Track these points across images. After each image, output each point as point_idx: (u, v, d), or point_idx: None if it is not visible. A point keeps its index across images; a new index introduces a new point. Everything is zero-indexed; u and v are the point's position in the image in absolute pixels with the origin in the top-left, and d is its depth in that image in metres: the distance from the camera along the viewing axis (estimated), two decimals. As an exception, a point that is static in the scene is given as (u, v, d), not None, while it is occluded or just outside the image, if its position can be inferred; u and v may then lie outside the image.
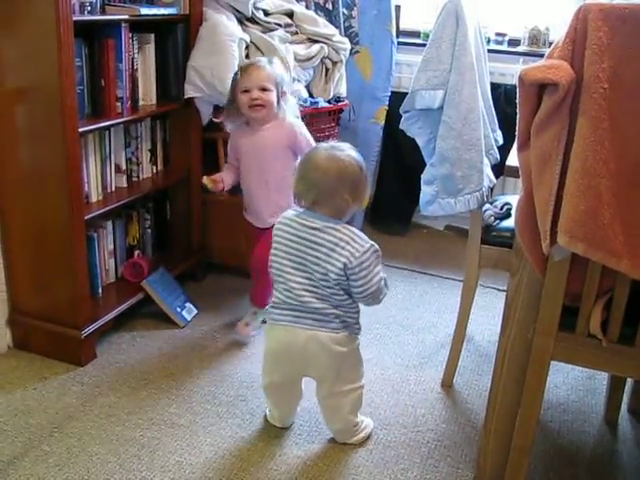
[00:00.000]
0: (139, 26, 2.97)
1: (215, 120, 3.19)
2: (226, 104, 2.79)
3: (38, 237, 2.64)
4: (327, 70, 3.58)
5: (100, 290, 2.97)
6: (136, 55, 2.97)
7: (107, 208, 2.85)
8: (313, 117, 3.38)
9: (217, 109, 3.28)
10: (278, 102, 2.71)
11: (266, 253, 2.19)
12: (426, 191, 2.36)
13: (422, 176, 2.39)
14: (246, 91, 2.65)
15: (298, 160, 2.34)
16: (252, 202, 2.85)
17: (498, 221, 2.51)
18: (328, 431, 2.32)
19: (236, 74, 2.73)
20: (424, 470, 2.17)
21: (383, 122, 4.03)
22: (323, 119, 3.45)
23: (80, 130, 2.55)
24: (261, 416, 2.41)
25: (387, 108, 4.01)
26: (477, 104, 2.22)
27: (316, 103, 3.42)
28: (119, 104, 2.87)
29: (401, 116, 2.41)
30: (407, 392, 2.59)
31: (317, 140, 3.40)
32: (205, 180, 2.79)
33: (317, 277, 2.06)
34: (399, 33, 4.13)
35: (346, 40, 3.60)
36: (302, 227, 2.07)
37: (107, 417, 2.39)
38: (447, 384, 2.64)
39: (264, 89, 2.64)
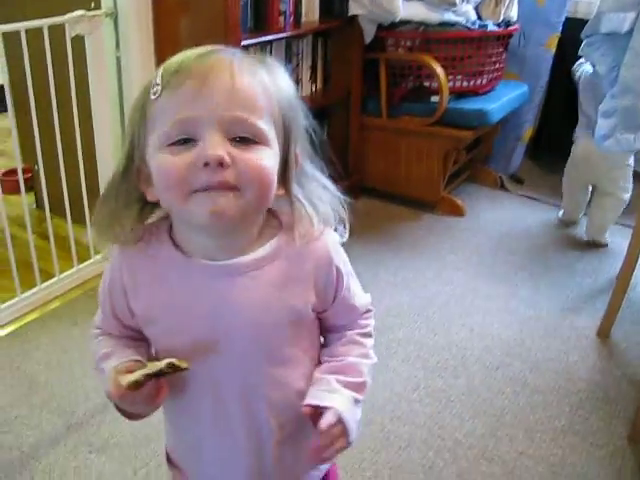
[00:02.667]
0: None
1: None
2: (109, 182, 0.92)
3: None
4: (499, -9, 3.38)
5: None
6: (301, -31, 2.90)
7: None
8: (481, 41, 3.20)
9: (381, 28, 3.18)
10: (285, 181, 0.92)
11: None
12: (603, 124, 2.18)
13: (600, 107, 2.21)
14: (183, 141, 0.83)
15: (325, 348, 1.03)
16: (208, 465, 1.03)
17: (680, 162, 2.30)
18: (476, 370, 2.25)
19: (146, 92, 0.88)
20: (573, 420, 2.05)
21: (554, 50, 3.79)
22: (491, 44, 3.26)
23: (243, 43, 2.52)
24: (406, 345, 2.36)
25: (560, 35, 3.75)
26: (673, 30, 2.01)
27: (484, 26, 3.24)
28: (282, 18, 2.82)
29: (576, 44, 2.22)
30: (560, 337, 2.46)
31: (484, 70, 3.27)
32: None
33: None
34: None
35: (522, -41, 3.37)
36: None
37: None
38: (604, 333, 2.48)
39: (246, 137, 0.83)
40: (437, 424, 2.01)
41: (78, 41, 2.45)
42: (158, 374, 0.86)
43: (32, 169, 2.89)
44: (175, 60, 0.86)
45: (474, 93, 3.30)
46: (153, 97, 0.85)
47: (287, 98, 0.90)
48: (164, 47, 2.58)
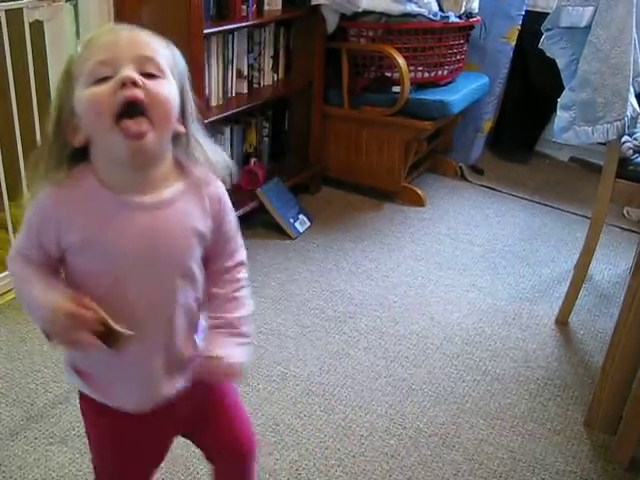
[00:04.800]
0: None
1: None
2: (42, 139, 1.35)
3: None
4: (460, -17, 3.39)
5: (215, 195, 2.95)
6: (264, -43, 2.88)
7: (227, 113, 2.82)
8: (443, 33, 3.22)
9: (344, 18, 3.18)
10: (184, 121, 1.13)
11: None
12: (562, 116, 2.20)
13: (559, 100, 2.23)
14: (104, 79, 1.03)
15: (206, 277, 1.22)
16: (123, 367, 1.18)
17: (637, 155, 2.33)
18: (437, 359, 2.28)
19: (70, 61, 1.08)
20: (532, 407, 2.09)
21: (514, 42, 3.82)
22: (452, 35, 3.28)
23: (205, 32, 2.51)
24: (368, 334, 2.38)
25: (519, 28, 3.78)
26: (630, 24, 2.03)
27: (446, 18, 3.25)
28: (244, 7, 2.81)
29: (534, 36, 2.24)
30: (519, 325, 2.49)
31: (446, 61, 3.30)
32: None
33: None
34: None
35: (483, -50, 3.39)
36: None
37: (216, 322, 2.41)
38: (562, 321, 2.52)
39: (152, 73, 1.05)
40: (398, 412, 2.03)
41: (37, 27, 2.41)
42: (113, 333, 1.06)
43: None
44: (92, 33, 1.09)
45: (435, 84, 3.32)
46: (76, 59, 1.05)
47: (181, 63, 1.13)
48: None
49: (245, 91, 3.04)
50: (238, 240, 1.26)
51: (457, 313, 2.54)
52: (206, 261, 1.21)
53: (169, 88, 1.06)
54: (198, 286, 1.20)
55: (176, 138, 1.12)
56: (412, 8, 3.18)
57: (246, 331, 1.22)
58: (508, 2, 3.70)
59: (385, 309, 2.54)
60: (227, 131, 2.99)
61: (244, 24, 2.85)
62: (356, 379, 2.16)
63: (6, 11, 2.26)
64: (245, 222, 3.03)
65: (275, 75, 3.24)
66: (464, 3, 3.39)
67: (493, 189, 3.65)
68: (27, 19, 2.36)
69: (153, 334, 1.16)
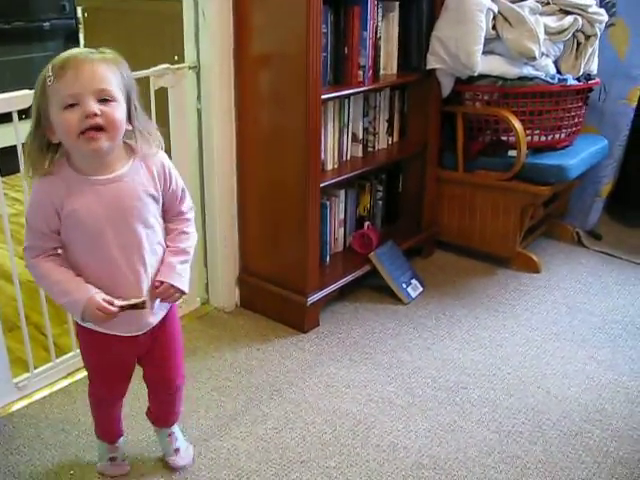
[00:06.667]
0: (384, -6, 2.90)
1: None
2: (28, 137, 1.57)
3: (273, 200, 2.69)
4: (578, 44, 3.33)
5: (328, 258, 2.99)
6: (380, 23, 2.91)
7: (342, 177, 2.84)
8: (560, 96, 3.16)
9: (459, 82, 3.17)
10: (130, 121, 1.57)
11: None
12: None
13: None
14: (72, 105, 1.46)
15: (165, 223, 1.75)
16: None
17: None
18: (553, 437, 2.18)
19: (44, 80, 1.50)
20: (659, 494, 1.97)
21: (635, 104, 3.71)
22: (570, 98, 3.21)
23: (322, 97, 2.54)
24: (481, 406, 2.31)
25: (641, 88, 3.68)
26: None
27: (564, 80, 3.19)
28: (361, 72, 2.84)
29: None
30: (643, 403, 2.37)
31: (563, 124, 3.23)
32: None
33: None
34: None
35: (603, 11, 3.31)
36: None
37: (326, 387, 2.40)
38: (690, 399, 2.39)
39: (106, 99, 1.48)
40: (513, 492, 1.95)
41: (161, 93, 2.51)
42: (134, 306, 1.60)
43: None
44: (59, 59, 1.48)
45: (552, 148, 3.25)
46: (49, 84, 1.47)
47: (127, 76, 1.55)
48: (244, 100, 2.63)
49: (360, 155, 3.06)
50: (185, 192, 1.74)
51: (575, 388, 2.43)
52: (164, 210, 1.70)
53: (119, 109, 1.51)
54: (158, 232, 1.68)
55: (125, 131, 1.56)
56: (529, 71, 3.15)
57: (190, 254, 1.73)
58: (629, 62, 3.60)
59: (499, 380, 2.46)
60: (341, 194, 3.02)
61: (361, 89, 2.88)
62: (468, 454, 2.10)
63: (135, 79, 2.36)
64: (357, 286, 3.06)
65: (390, 139, 3.25)
66: (583, 65, 3.33)
67: (612, 255, 3.52)
68: (153, 86, 2.46)
69: (132, 272, 1.63)
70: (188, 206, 1.76)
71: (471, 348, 2.66)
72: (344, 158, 2.97)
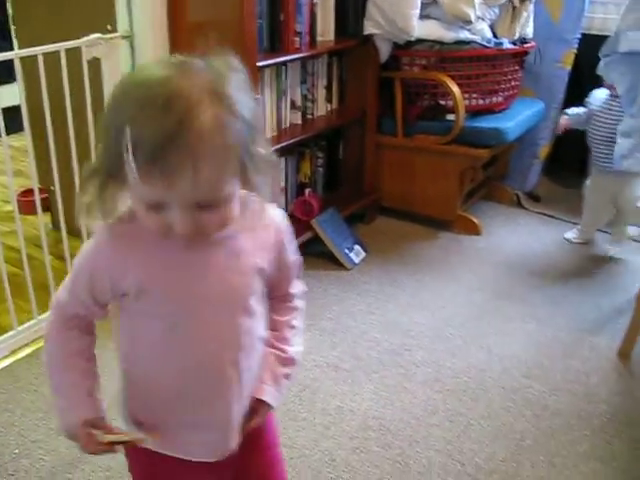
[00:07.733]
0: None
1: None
2: (88, 172, 1.03)
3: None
4: (514, 8, 3.36)
5: (269, 227, 2.96)
6: (316, -11, 2.90)
7: (281, 144, 2.83)
8: (497, 59, 3.19)
9: (396, 47, 3.18)
10: (245, 180, 0.98)
11: None
12: (622, 144, 2.16)
13: (618, 127, 2.19)
14: (158, 206, 0.94)
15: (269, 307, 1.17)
16: (195, 414, 1.11)
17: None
18: (495, 394, 2.23)
19: (122, 125, 0.90)
20: (595, 445, 2.02)
21: (570, 67, 3.76)
22: (507, 62, 3.25)
23: (258, 64, 2.52)
24: (425, 367, 2.34)
25: (575, 52, 3.73)
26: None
27: (500, 44, 3.23)
28: (297, 39, 2.82)
29: (591, 60, 2.20)
30: (580, 358, 2.43)
31: (500, 88, 3.26)
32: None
33: None
34: (594, -32, 3.81)
35: (537, -24, 3.36)
36: None
37: (271, 354, 2.40)
38: (625, 354, 2.44)
39: (211, 204, 0.94)
40: (456, 449, 1.99)
41: (94, 63, 2.46)
42: (127, 442, 1.06)
43: (48, 190, 2.89)
44: (145, 139, 0.88)
45: (490, 111, 3.28)
46: (126, 136, 0.88)
47: (247, 124, 0.94)
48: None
49: (299, 122, 3.06)
50: (299, 268, 1.23)
51: (515, 345, 2.48)
52: (268, 289, 1.15)
53: (228, 213, 0.97)
54: (261, 322, 1.12)
55: None
56: (465, 35, 3.17)
57: (298, 364, 1.21)
58: (563, 26, 3.65)
59: (442, 341, 2.50)
60: (282, 162, 3.00)
61: (297, 56, 2.86)
62: (413, 413, 2.13)
63: (66, 50, 2.31)
64: (300, 253, 3.03)
65: (328, 105, 3.25)
66: (518, 28, 3.37)
67: (550, 216, 3.59)
68: (85, 57, 2.40)
69: (220, 380, 1.08)
70: (299, 288, 1.25)
71: (414, 311, 2.69)
72: (283, 125, 2.96)
